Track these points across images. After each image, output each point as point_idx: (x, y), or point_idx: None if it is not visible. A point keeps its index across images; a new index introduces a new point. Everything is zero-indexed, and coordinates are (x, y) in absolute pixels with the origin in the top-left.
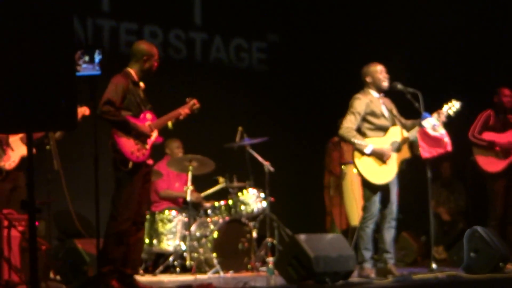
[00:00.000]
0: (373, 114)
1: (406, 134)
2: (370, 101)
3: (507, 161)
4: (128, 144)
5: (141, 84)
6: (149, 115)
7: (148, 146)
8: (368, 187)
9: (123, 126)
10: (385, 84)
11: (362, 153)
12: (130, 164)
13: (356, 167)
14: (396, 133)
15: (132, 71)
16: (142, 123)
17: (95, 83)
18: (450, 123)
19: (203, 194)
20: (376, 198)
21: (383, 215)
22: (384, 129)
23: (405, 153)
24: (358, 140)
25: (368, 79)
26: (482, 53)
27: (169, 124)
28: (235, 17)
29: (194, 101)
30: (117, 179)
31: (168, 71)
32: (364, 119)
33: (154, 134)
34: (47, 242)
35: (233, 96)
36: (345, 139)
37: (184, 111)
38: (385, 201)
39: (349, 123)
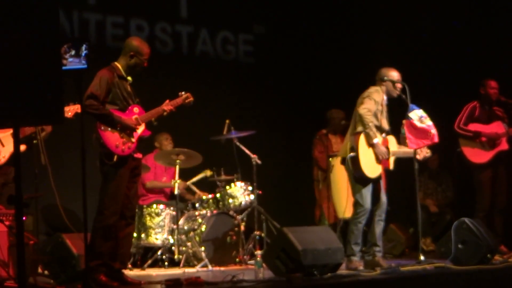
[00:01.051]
0: (381, 112)
1: (395, 149)
2: (382, 101)
3: (493, 152)
4: (112, 138)
5: (129, 78)
6: (136, 109)
7: (134, 140)
8: (359, 182)
9: (107, 120)
10: (396, 94)
11: (369, 140)
12: (115, 158)
13: (357, 150)
14: (392, 143)
15: (119, 65)
16: (128, 116)
17: (81, 77)
18: (436, 115)
19: (189, 182)
20: (368, 193)
21: (374, 208)
22: (382, 131)
23: (391, 163)
24: (373, 127)
25: (387, 85)
26: (467, 45)
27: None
28: (221, 9)
29: (188, 94)
30: (103, 173)
31: (155, 64)
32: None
33: (141, 128)
34: (35, 237)
35: (220, 89)
36: (363, 120)
37: (167, 107)
38: (375, 195)
39: (371, 107)
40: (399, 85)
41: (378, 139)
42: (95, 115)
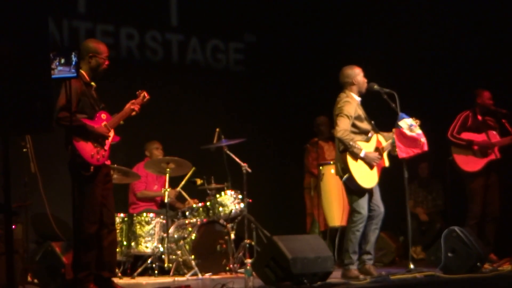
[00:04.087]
0: (359, 118)
1: (385, 144)
2: (357, 105)
3: (485, 161)
4: (87, 148)
5: (93, 84)
6: (103, 115)
7: (106, 147)
8: (356, 192)
9: (81, 131)
10: (366, 88)
11: (356, 157)
12: (92, 168)
13: (349, 170)
14: (380, 140)
15: (83, 71)
16: (98, 124)
17: (70, 85)
18: (427, 123)
19: (179, 187)
20: (365, 202)
21: (370, 217)
22: (365, 133)
23: (386, 161)
24: (354, 143)
25: (353, 81)
26: (458, 53)
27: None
28: (211, 18)
29: (144, 93)
30: (78, 183)
31: (145, 72)
32: (352, 123)
33: (111, 134)
34: (25, 245)
35: (210, 97)
36: (343, 142)
37: (134, 106)
38: (373, 203)
39: (345, 125)
40: (364, 78)
41: (364, 151)
42: (69, 127)
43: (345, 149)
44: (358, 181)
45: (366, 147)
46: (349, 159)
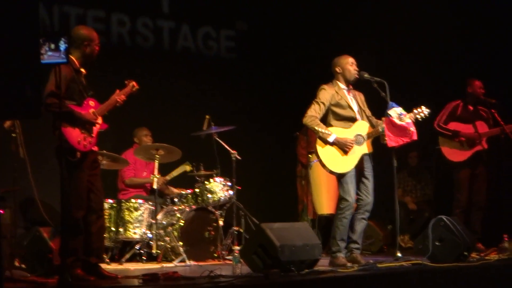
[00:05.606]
0: (338, 105)
1: (372, 129)
2: (336, 92)
3: (471, 151)
4: (74, 134)
5: (83, 70)
6: (92, 102)
7: (94, 134)
8: (340, 178)
9: (68, 117)
10: (355, 76)
11: (325, 141)
12: (78, 154)
13: (317, 155)
14: (363, 127)
15: (73, 58)
16: (86, 111)
17: (60, 71)
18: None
19: (169, 176)
20: (351, 188)
21: (358, 206)
22: (351, 120)
23: (368, 147)
24: (321, 128)
25: (338, 70)
26: (448, 43)
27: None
28: (203, 5)
29: (133, 83)
30: (65, 169)
31: (136, 59)
32: (330, 110)
33: (99, 121)
34: (12, 231)
35: (201, 84)
36: (309, 127)
37: (120, 97)
38: (362, 192)
39: (313, 112)
40: (354, 67)
41: (334, 136)
42: (57, 113)
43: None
44: (327, 165)
45: (343, 133)
46: (317, 144)
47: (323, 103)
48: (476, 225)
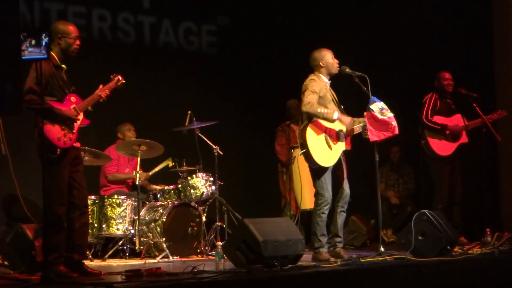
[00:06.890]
0: (324, 98)
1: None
2: (324, 86)
3: (455, 145)
4: (54, 131)
5: (63, 66)
6: (73, 98)
7: (74, 130)
8: (318, 173)
9: (48, 114)
10: (337, 69)
11: (317, 132)
12: (58, 151)
13: (306, 146)
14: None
15: (53, 54)
16: (67, 107)
17: (41, 67)
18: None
19: (151, 172)
20: (328, 183)
21: (336, 199)
22: None
23: (347, 145)
24: (323, 109)
25: (321, 64)
26: (428, 37)
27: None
28: (184, 0)
29: (119, 77)
30: (46, 166)
31: (117, 54)
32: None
33: (80, 117)
34: None
35: (183, 79)
36: (310, 113)
37: (104, 92)
38: (337, 185)
39: (310, 99)
40: (335, 60)
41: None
42: (36, 110)
43: (306, 125)
44: (315, 158)
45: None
46: (308, 134)
47: (316, 92)
48: (457, 219)
